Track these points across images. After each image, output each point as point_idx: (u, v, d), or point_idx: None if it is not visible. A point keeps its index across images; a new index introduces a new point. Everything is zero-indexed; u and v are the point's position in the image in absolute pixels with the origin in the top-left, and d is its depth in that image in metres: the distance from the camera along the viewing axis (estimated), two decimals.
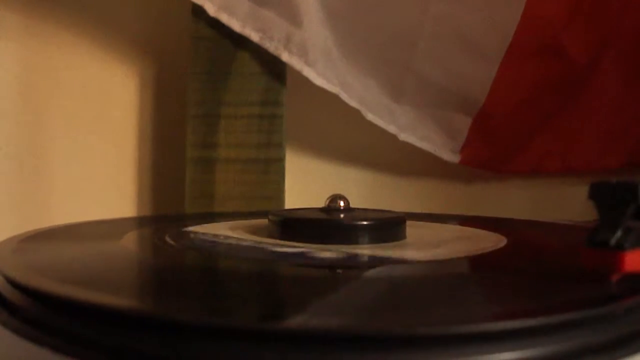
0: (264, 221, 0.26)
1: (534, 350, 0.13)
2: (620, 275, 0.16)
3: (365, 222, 0.24)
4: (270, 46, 0.37)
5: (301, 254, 0.21)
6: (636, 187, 0.15)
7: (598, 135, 0.43)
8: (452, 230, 0.29)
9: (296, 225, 0.24)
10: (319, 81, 0.38)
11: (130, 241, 0.24)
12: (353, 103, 0.40)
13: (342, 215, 0.25)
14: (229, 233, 0.26)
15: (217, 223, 0.29)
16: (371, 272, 0.20)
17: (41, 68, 0.43)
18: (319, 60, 0.38)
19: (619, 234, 0.15)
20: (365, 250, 0.22)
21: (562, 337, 0.13)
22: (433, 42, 0.39)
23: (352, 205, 0.26)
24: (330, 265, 0.20)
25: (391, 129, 0.41)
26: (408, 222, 0.25)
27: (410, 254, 0.22)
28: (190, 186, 0.38)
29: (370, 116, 0.40)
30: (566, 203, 0.44)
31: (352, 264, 0.20)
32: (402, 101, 0.42)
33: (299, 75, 0.37)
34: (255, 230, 0.26)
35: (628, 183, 0.16)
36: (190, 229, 0.27)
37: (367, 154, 0.46)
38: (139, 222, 0.33)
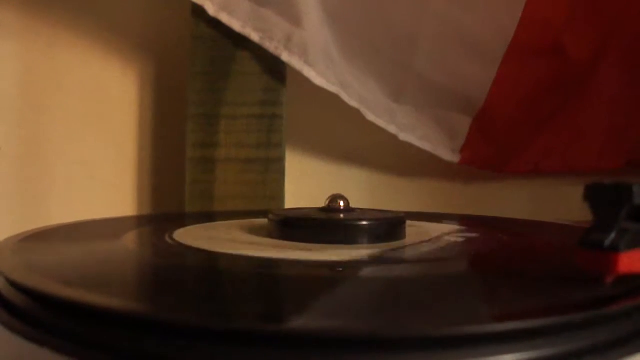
0: (264, 221, 0.26)
1: (532, 351, 0.13)
2: (615, 277, 0.16)
3: (365, 222, 0.24)
4: (270, 46, 0.37)
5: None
6: (630, 188, 0.15)
7: (598, 135, 0.43)
8: (451, 230, 0.29)
9: (296, 225, 0.24)
10: (319, 81, 0.38)
11: (130, 241, 0.24)
12: (353, 103, 0.40)
13: (342, 215, 0.25)
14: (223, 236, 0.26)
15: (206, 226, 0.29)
16: (371, 272, 0.20)
17: (41, 68, 0.43)
18: (319, 60, 0.38)
19: (613, 235, 0.15)
20: (365, 250, 0.22)
21: (559, 339, 0.13)
22: (433, 42, 0.39)
23: (352, 205, 0.26)
24: (330, 265, 0.20)
25: (391, 129, 0.41)
26: (408, 222, 0.25)
27: (409, 254, 0.22)
28: (190, 186, 0.38)
29: (370, 116, 0.40)
30: (566, 203, 0.43)
31: (352, 264, 0.20)
32: (402, 101, 0.42)
33: (299, 75, 0.37)
34: (254, 230, 0.26)
35: (622, 184, 0.16)
36: (176, 237, 0.27)
37: (367, 154, 0.46)
38: (139, 221, 0.33)
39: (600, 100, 0.42)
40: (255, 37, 0.37)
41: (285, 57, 0.37)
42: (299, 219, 0.24)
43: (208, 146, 0.38)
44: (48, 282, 0.16)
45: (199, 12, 0.37)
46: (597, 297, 0.15)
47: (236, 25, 0.37)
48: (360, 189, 0.46)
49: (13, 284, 0.17)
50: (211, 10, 0.37)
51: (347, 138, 0.45)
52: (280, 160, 0.39)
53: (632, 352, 0.14)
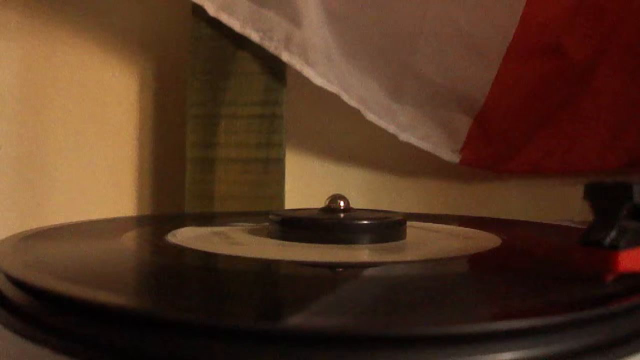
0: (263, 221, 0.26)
1: (532, 350, 0.13)
2: (615, 275, 0.16)
3: (365, 222, 0.24)
4: (270, 46, 0.37)
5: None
6: (630, 187, 0.15)
7: (598, 135, 0.43)
8: (451, 230, 0.29)
9: (296, 226, 0.24)
10: (319, 81, 0.38)
11: (130, 241, 0.24)
12: (353, 103, 0.40)
13: (342, 215, 0.25)
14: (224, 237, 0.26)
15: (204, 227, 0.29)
16: (371, 272, 0.20)
17: (41, 68, 0.43)
18: (319, 60, 0.38)
19: (613, 233, 0.15)
20: (365, 250, 0.22)
21: (559, 337, 0.13)
22: (433, 42, 0.39)
23: (352, 205, 0.26)
24: (330, 265, 0.20)
25: (391, 129, 0.41)
26: (408, 222, 0.25)
27: (409, 254, 0.22)
28: (190, 186, 0.38)
29: (370, 116, 0.40)
30: (566, 203, 0.44)
31: (351, 264, 0.20)
32: (402, 101, 0.42)
33: (299, 75, 0.37)
34: (255, 231, 0.26)
35: (622, 183, 0.16)
36: (173, 236, 0.27)
37: (367, 154, 0.46)
38: (139, 221, 0.33)
39: (600, 100, 0.42)
40: (255, 37, 0.37)
41: (285, 57, 0.37)
42: (299, 219, 0.24)
43: (208, 146, 0.38)
44: (48, 280, 0.16)
45: (199, 12, 0.37)
46: (597, 296, 0.15)
47: (236, 25, 0.37)
48: (360, 189, 0.46)
49: (13, 282, 0.17)
50: (211, 10, 0.37)
51: (347, 138, 0.45)
52: (280, 160, 0.39)
53: (633, 352, 0.14)
